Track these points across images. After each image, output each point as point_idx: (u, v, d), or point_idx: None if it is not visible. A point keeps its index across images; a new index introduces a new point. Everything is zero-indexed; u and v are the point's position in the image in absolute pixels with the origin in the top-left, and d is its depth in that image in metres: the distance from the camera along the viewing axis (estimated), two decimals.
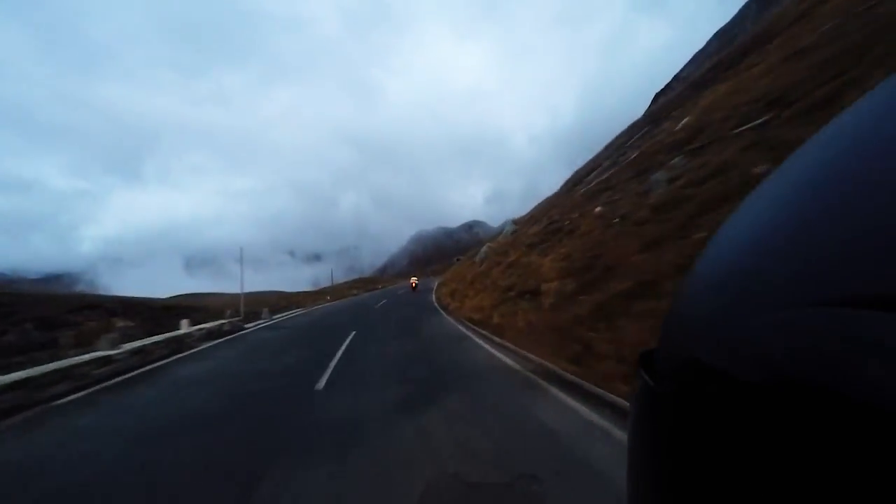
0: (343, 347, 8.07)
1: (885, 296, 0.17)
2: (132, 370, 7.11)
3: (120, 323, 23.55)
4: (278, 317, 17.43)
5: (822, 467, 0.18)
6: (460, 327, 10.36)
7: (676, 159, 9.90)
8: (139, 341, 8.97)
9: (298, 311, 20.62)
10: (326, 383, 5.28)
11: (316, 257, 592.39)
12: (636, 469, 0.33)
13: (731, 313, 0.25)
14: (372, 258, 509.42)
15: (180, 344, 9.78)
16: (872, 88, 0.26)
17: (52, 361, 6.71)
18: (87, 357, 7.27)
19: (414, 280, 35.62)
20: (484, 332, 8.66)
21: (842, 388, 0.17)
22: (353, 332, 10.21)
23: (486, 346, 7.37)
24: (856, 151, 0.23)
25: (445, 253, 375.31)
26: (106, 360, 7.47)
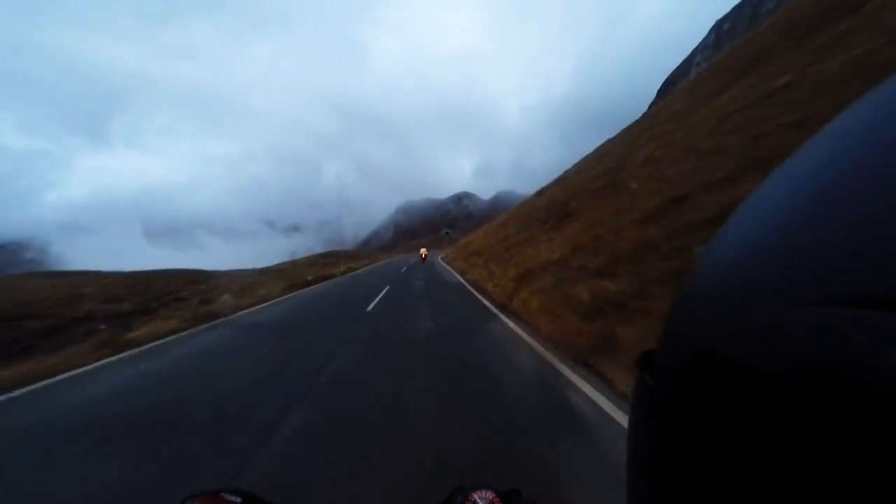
0: None
1: (885, 296, 0.16)
2: None
3: None
4: None
5: (824, 468, 0.18)
6: None
7: None
8: None
9: None
10: None
11: (294, 228, 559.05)
12: (636, 469, 0.33)
13: (732, 313, 0.24)
14: (355, 229, 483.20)
15: None
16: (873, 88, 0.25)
17: None
18: None
19: (423, 251, 35.91)
20: None
21: (843, 388, 0.17)
22: None
23: None
24: (856, 151, 0.23)
25: (434, 224, 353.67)
26: None
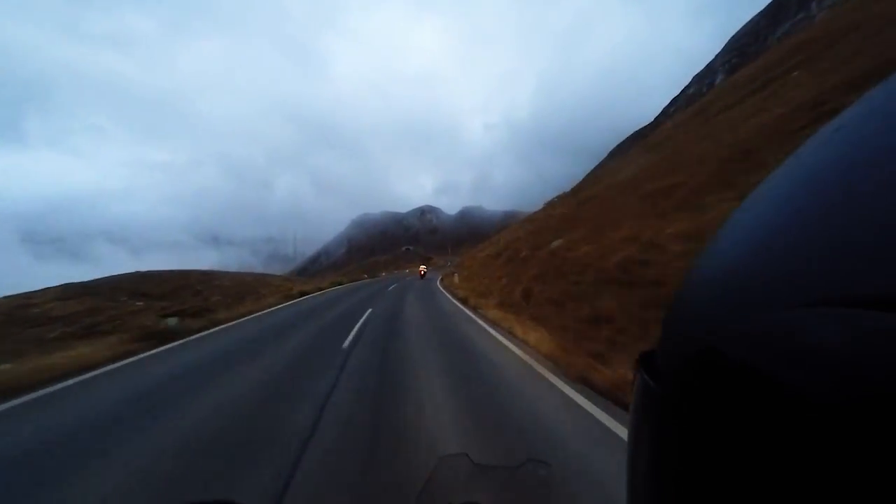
0: None
1: (885, 296, 0.16)
2: None
3: None
4: None
5: (825, 469, 0.17)
6: None
7: None
8: None
9: None
10: None
11: (229, 242, 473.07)
12: (637, 469, 0.32)
13: (732, 313, 0.24)
14: (302, 245, 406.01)
15: None
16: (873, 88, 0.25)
17: None
18: None
19: (423, 268, 34.24)
20: None
21: (843, 387, 0.17)
22: None
23: None
24: (857, 151, 0.23)
25: (393, 240, 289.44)
26: None
